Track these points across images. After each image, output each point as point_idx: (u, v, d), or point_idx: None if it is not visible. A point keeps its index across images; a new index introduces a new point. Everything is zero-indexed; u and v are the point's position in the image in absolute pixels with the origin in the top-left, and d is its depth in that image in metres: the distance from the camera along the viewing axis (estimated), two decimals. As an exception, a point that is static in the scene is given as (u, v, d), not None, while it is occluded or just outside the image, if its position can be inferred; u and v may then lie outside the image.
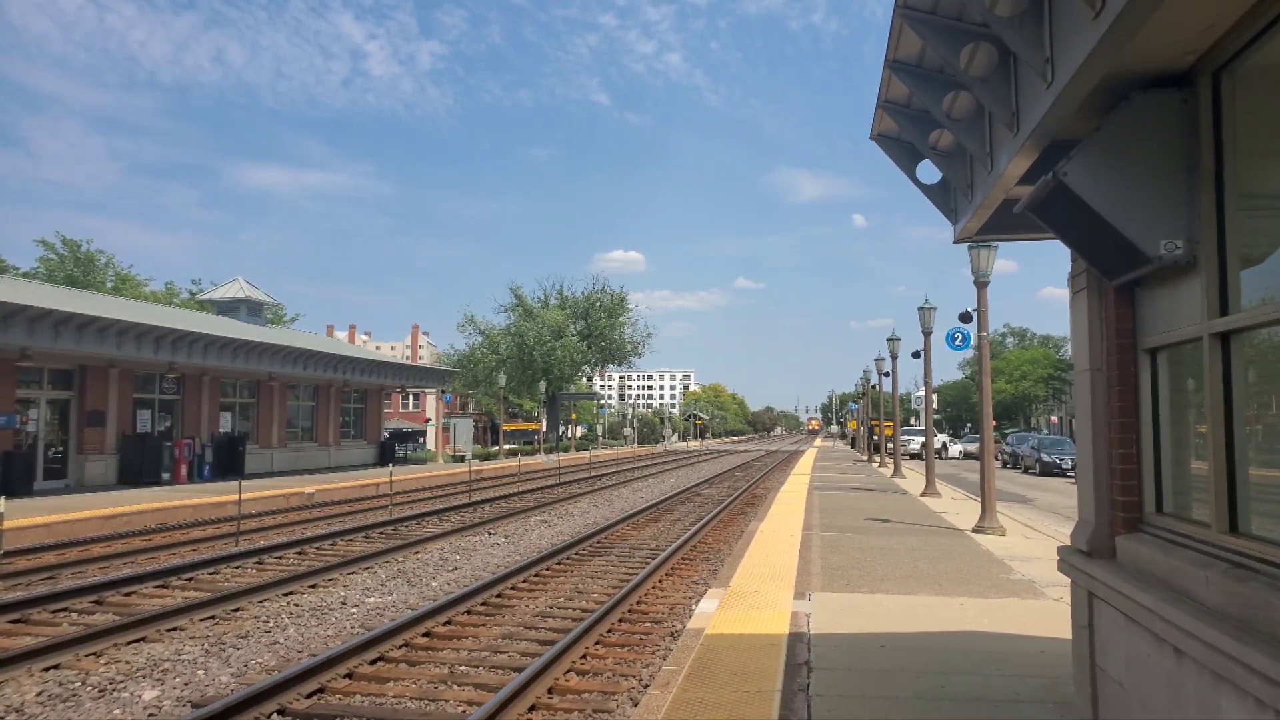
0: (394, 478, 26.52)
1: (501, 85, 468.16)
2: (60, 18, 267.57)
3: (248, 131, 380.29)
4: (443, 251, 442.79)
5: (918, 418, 69.48)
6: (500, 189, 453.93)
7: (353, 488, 27.47)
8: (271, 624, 9.86)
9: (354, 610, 10.66)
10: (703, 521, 18.61)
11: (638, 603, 10.87)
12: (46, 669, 7.96)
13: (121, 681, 7.65)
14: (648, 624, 9.99)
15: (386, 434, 49.82)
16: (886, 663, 6.95)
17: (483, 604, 10.75)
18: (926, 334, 25.27)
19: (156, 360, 27.46)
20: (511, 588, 11.79)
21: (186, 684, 7.62)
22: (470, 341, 68.69)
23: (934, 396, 28.18)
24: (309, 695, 7.17)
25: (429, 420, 79.15)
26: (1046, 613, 8.79)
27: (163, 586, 11.91)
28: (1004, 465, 44.83)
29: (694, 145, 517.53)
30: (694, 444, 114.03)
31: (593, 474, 38.45)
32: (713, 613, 8.82)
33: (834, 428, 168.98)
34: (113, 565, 13.83)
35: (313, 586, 11.98)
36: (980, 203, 5.50)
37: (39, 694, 7.29)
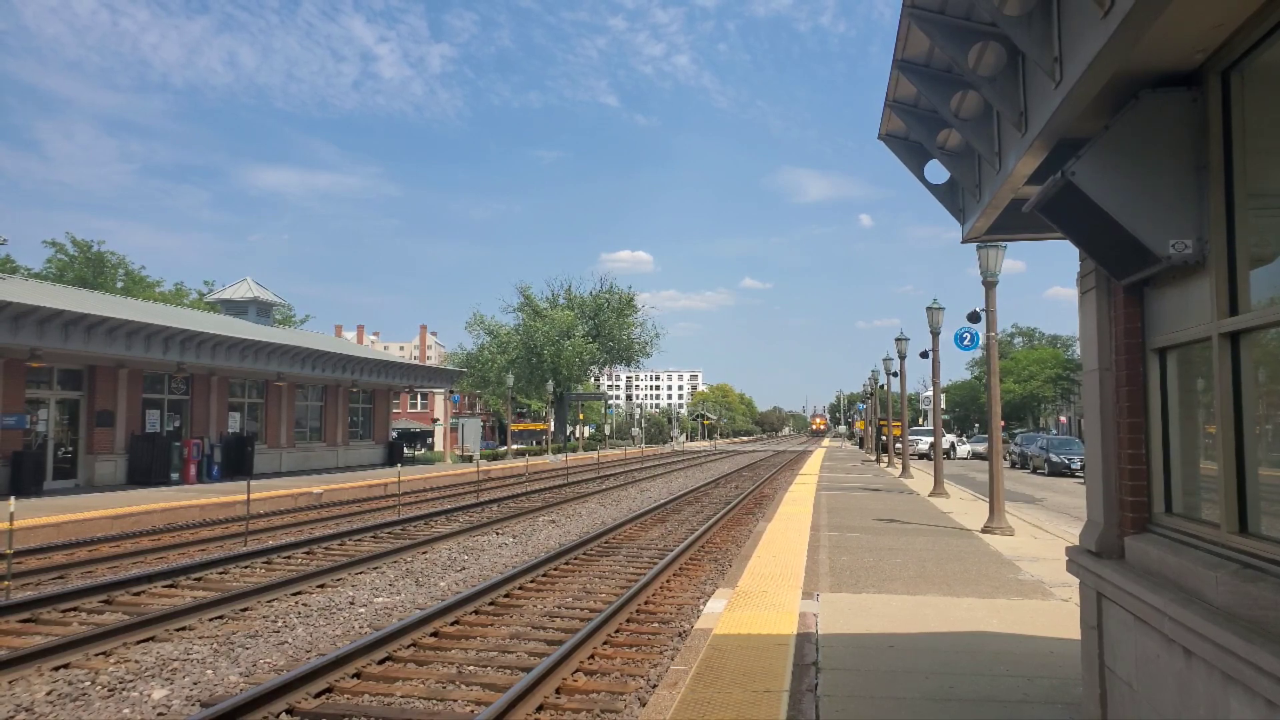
0: (402, 478, 26.57)
1: (511, 88, 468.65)
2: (74, 21, 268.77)
3: (258, 134, 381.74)
4: (450, 252, 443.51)
5: (926, 418, 69.31)
6: (508, 190, 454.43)
7: (360, 488, 27.54)
8: (280, 624, 9.89)
9: (362, 610, 10.69)
10: (710, 522, 18.60)
11: (645, 603, 10.88)
12: (56, 668, 8.00)
13: (131, 681, 7.69)
14: (655, 624, 9.99)
15: (394, 434, 49.95)
16: (895, 663, 6.94)
17: (491, 604, 10.77)
18: (934, 334, 25.20)
19: (165, 361, 27.56)
20: (519, 588, 11.81)
21: (195, 683, 7.65)
22: (478, 341, 68.84)
23: (942, 396, 28.11)
24: (317, 695, 7.19)
25: (436, 420, 79.28)
26: (1055, 613, 8.77)
27: (172, 586, 11.96)
28: (1012, 465, 44.73)
29: (701, 146, 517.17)
30: (702, 444, 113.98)
31: (600, 474, 38.47)
32: (720, 613, 8.82)
33: (842, 428, 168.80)
34: (122, 565, 13.89)
35: (321, 586, 12.02)
36: (988, 202, 5.49)
37: (49, 693, 7.33)
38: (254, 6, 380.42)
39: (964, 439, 66.80)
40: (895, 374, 40.09)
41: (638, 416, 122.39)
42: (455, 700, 7.20)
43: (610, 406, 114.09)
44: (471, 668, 8.15)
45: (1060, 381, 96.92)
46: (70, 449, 27.29)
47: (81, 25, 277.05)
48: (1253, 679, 2.96)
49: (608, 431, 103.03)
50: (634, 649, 8.89)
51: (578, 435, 79.93)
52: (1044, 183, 4.20)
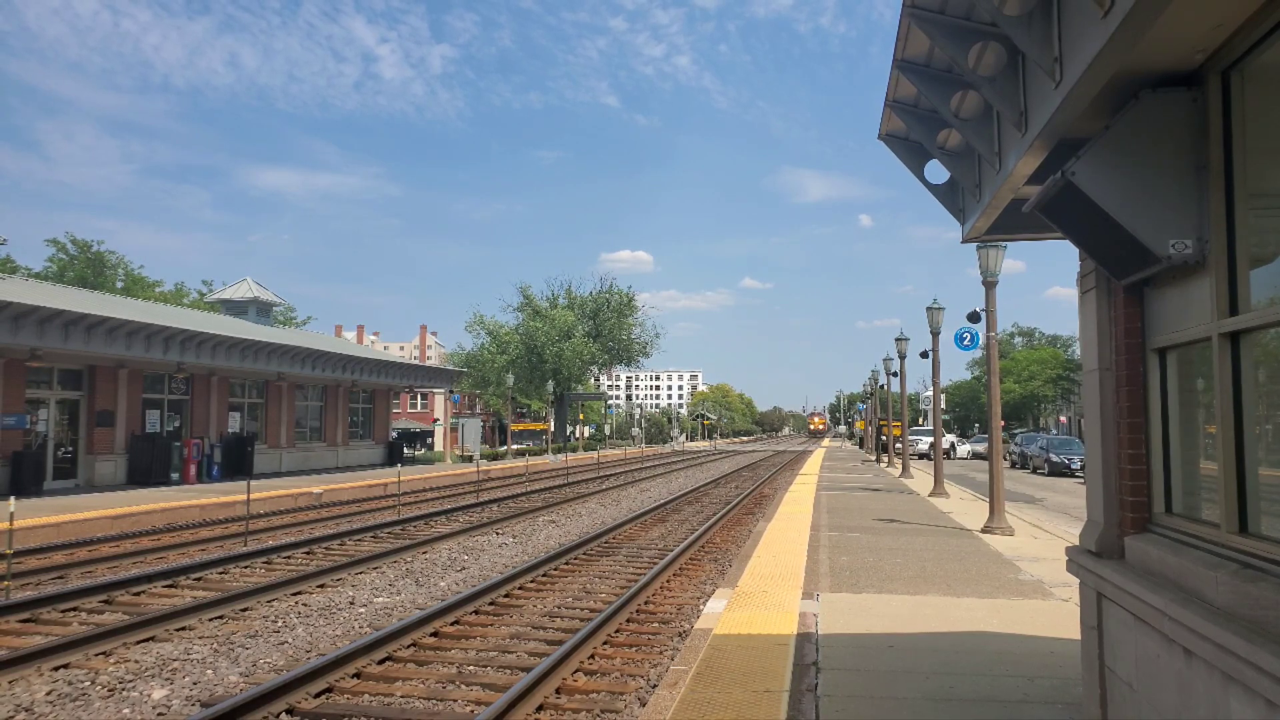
0: (402, 478, 26.58)
1: (511, 88, 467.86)
2: (76, 22, 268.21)
3: (259, 134, 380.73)
4: (451, 252, 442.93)
5: (926, 418, 69.33)
6: (509, 190, 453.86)
7: (360, 488, 27.54)
8: (280, 624, 9.89)
9: (362, 610, 10.69)
10: (710, 522, 18.60)
11: (645, 603, 10.88)
12: (56, 668, 8.00)
13: (131, 681, 7.69)
14: (655, 624, 9.99)
15: (394, 434, 49.94)
16: (895, 663, 6.94)
17: (491, 604, 10.77)
18: (934, 334, 25.20)
19: (165, 361, 27.57)
20: (519, 588, 11.80)
21: (195, 683, 7.65)
22: (478, 342, 68.84)
23: (942, 397, 28.11)
24: (317, 695, 7.19)
25: (437, 420, 79.28)
26: (1055, 613, 8.77)
27: (171, 586, 11.96)
28: (1012, 465, 44.73)
29: (701, 146, 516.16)
30: (702, 444, 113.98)
31: (600, 474, 38.47)
32: (720, 613, 8.82)
33: (842, 428, 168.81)
34: (122, 565, 13.89)
35: (321, 586, 12.02)
36: (988, 202, 5.49)
37: (49, 693, 7.33)
38: (255, 7, 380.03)
39: (964, 439, 66.79)
40: (895, 374, 40.10)
41: (638, 416, 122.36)
42: (455, 700, 7.20)
43: (610, 406, 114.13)
44: (471, 668, 8.16)
45: (1060, 381, 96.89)
46: (70, 449, 27.29)
47: (83, 26, 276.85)
48: (1253, 679, 2.96)
49: (608, 431, 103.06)
50: (634, 649, 8.89)
51: (578, 435, 79.94)
52: (1044, 183, 4.20)
